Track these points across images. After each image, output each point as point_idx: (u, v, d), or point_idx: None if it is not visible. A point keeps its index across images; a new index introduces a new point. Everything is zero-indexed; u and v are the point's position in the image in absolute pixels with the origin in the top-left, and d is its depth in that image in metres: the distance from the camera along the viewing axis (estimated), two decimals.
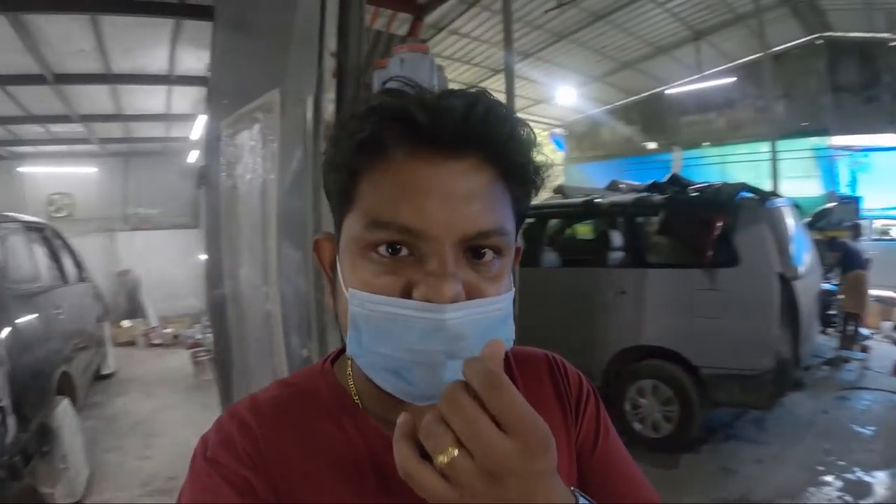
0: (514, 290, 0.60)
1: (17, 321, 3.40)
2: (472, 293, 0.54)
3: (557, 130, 16.06)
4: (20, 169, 11.58)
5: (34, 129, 8.87)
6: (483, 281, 0.56)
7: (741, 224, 4.12)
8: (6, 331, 3.16)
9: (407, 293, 0.53)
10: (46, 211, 10.64)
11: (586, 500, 0.52)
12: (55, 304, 4.31)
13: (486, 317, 0.55)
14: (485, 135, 0.54)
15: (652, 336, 4.42)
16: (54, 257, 5.04)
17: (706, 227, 4.17)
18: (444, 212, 0.53)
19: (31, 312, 3.72)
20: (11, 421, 2.92)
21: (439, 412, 0.44)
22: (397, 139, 0.54)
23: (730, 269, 4.08)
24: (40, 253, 4.67)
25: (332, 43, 2.46)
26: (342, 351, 0.69)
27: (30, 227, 4.61)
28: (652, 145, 14.16)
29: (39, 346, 3.67)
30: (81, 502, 3.65)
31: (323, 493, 0.60)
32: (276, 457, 0.60)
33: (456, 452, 0.43)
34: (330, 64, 2.47)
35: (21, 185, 11.52)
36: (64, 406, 3.73)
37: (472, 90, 0.56)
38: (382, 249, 0.54)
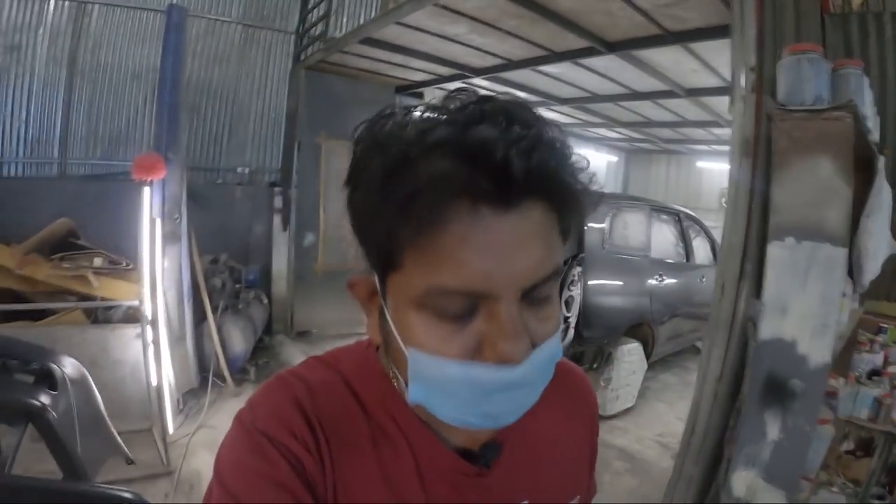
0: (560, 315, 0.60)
1: (597, 280, 4.77)
2: (534, 338, 0.54)
3: None
4: (698, 164, 12.78)
5: (699, 133, 10.27)
6: (542, 322, 0.55)
7: None
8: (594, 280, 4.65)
9: (476, 355, 0.53)
10: (718, 202, 11.35)
11: None
12: (662, 272, 5.48)
13: (548, 355, 0.56)
14: (545, 184, 0.51)
15: None
16: (682, 238, 6.02)
17: None
18: (506, 269, 0.50)
19: (633, 275, 5.13)
20: (571, 333, 4.53)
21: None
22: (457, 192, 0.48)
23: None
24: (665, 232, 5.88)
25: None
26: None
27: (658, 209, 5.92)
28: None
29: (630, 295, 5.07)
30: (601, 416, 4.74)
31: (368, 489, 0.61)
32: (333, 450, 0.61)
33: None
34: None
35: (699, 177, 12.91)
36: (632, 347, 4.92)
37: (524, 136, 0.49)
38: (446, 314, 0.52)
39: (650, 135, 10.08)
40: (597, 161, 13.03)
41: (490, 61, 5.74)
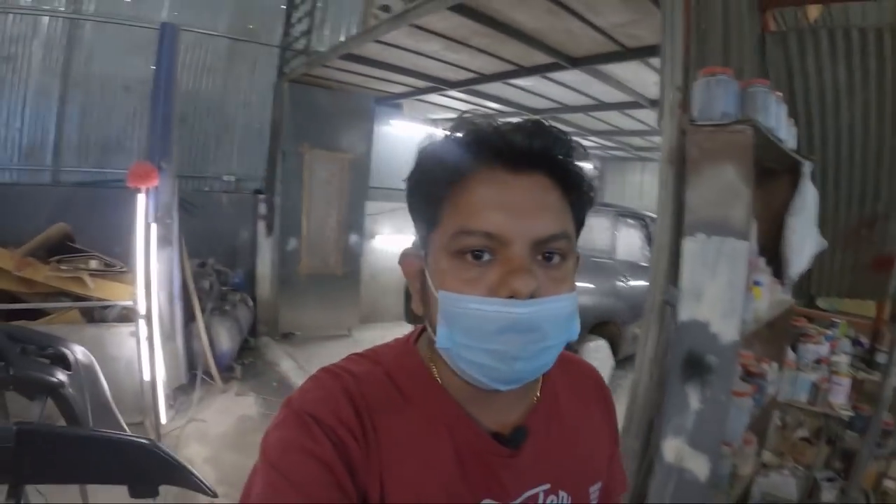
0: (576, 292, 0.69)
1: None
2: (544, 291, 0.64)
3: None
4: None
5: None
6: (552, 281, 0.66)
7: None
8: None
9: (491, 293, 0.64)
10: None
11: None
12: (627, 273, 5.84)
13: (557, 312, 0.66)
14: (548, 156, 0.67)
15: None
16: (648, 242, 6.30)
17: None
18: (518, 219, 0.64)
19: (598, 276, 5.48)
20: None
21: None
22: (477, 163, 0.66)
23: None
24: (631, 236, 6.27)
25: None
26: (422, 332, 0.79)
27: (624, 214, 6.35)
28: None
29: (595, 295, 5.38)
30: None
31: (411, 471, 0.68)
32: (379, 435, 0.68)
33: None
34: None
35: None
36: (598, 344, 5.31)
37: (534, 119, 0.67)
38: (469, 256, 0.65)
39: (622, 143, 10.45)
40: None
41: (464, 75, 6.05)
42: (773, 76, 3.52)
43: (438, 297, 0.67)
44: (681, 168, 2.18)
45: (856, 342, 3.74)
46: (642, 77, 5.34)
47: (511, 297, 0.62)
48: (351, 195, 7.37)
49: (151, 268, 3.91)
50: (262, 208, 6.79)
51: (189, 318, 5.11)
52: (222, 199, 6.77)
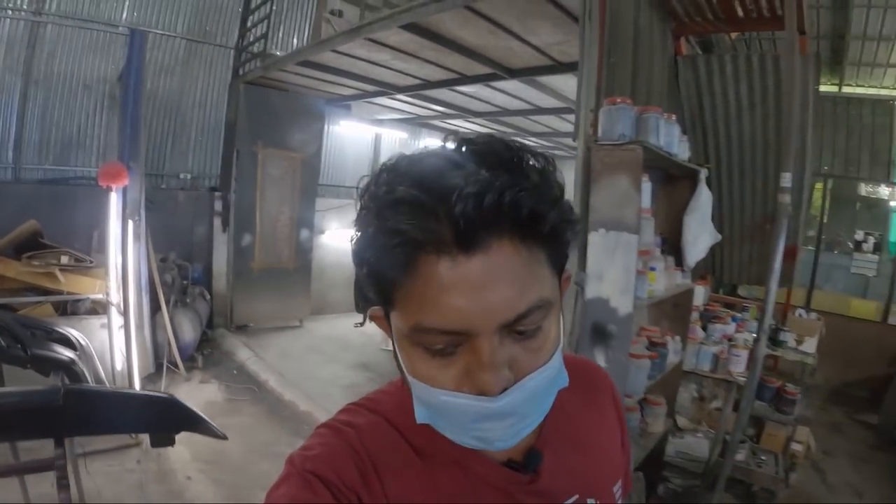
0: (561, 336, 0.64)
1: None
2: (520, 370, 0.59)
3: None
4: None
5: None
6: (529, 354, 0.59)
7: None
8: None
9: (460, 385, 0.59)
10: None
11: None
12: None
13: (536, 388, 0.60)
14: (503, 219, 0.54)
15: None
16: None
17: None
18: (478, 307, 0.55)
19: None
20: None
21: None
22: (423, 240, 0.54)
23: None
24: None
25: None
26: None
27: None
28: None
29: None
30: None
31: None
32: (386, 488, 0.66)
33: None
34: None
35: None
36: None
37: (484, 178, 0.54)
38: (432, 349, 0.59)
39: (559, 143, 11.12)
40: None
41: (411, 81, 6.54)
42: (683, 94, 4.14)
43: (410, 382, 0.64)
44: (588, 176, 2.73)
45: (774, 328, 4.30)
46: (573, 86, 5.92)
47: (480, 394, 0.58)
48: (302, 192, 7.78)
49: (129, 262, 4.23)
50: (218, 205, 7.09)
51: (154, 310, 5.43)
52: (179, 196, 7.03)
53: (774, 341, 4.22)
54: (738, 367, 3.83)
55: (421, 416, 0.64)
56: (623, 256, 2.58)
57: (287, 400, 5.25)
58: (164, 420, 2.11)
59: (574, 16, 3.87)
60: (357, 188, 9.79)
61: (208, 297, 6.71)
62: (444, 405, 0.60)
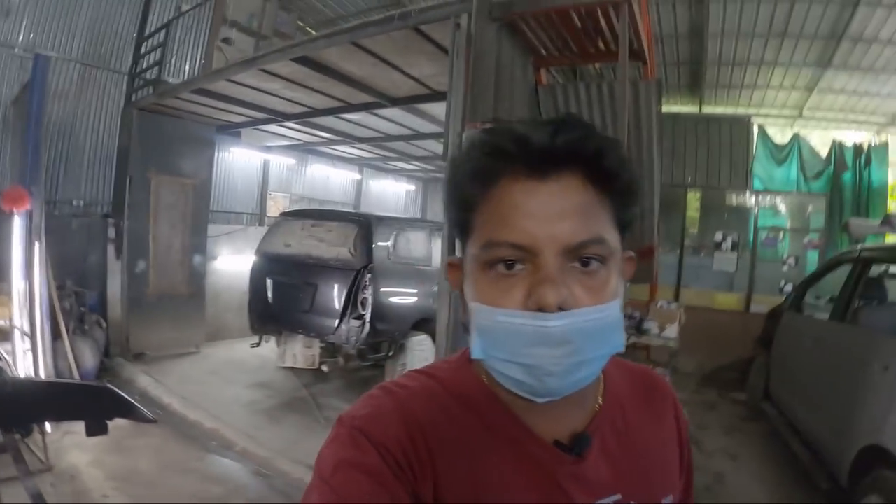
0: (620, 298, 0.68)
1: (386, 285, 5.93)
2: (578, 302, 0.63)
3: None
4: None
5: None
6: (588, 290, 0.64)
7: None
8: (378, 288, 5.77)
9: (520, 305, 0.63)
10: None
11: None
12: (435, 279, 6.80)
13: (592, 325, 0.63)
14: (571, 156, 0.64)
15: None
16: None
17: None
18: (545, 228, 0.62)
19: (416, 281, 6.41)
20: (367, 327, 5.59)
21: None
22: (501, 168, 0.65)
23: None
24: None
25: None
26: None
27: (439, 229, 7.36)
28: None
29: (414, 298, 6.27)
30: None
31: (469, 472, 0.69)
32: (432, 449, 0.68)
33: None
34: None
35: None
36: (421, 338, 6.16)
37: (560, 116, 0.67)
38: (500, 267, 0.65)
39: (438, 166, 11.97)
40: (396, 189, 14.89)
41: (299, 109, 7.07)
42: (545, 117, 4.91)
43: (471, 309, 0.68)
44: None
45: (630, 317, 5.04)
46: None
47: (539, 309, 0.62)
48: (194, 219, 7.92)
49: (35, 285, 4.40)
50: (112, 232, 7.13)
51: (53, 337, 5.49)
52: (72, 222, 7.00)
53: (640, 330, 4.89)
54: None
55: (476, 349, 0.67)
56: None
57: (192, 420, 5.36)
58: (100, 407, 2.45)
59: (445, 49, 4.56)
60: (246, 214, 10.05)
61: (104, 324, 6.74)
62: (501, 328, 0.64)
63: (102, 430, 2.57)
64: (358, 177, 13.33)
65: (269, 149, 9.93)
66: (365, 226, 6.08)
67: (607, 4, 3.80)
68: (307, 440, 4.98)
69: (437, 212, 15.07)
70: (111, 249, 7.16)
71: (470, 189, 0.68)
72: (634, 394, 0.84)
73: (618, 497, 0.74)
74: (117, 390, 2.59)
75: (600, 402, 0.79)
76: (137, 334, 7.31)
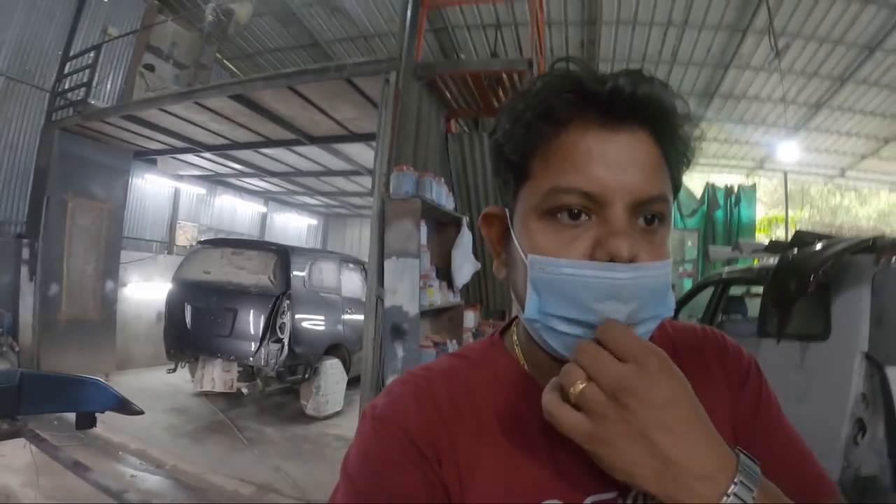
0: (671, 255, 0.66)
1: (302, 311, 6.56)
2: (643, 257, 0.61)
3: None
4: None
5: None
6: (651, 247, 0.62)
7: (837, 290, 3.66)
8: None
9: (587, 256, 0.60)
10: None
11: (747, 456, 0.55)
12: (352, 308, 7.39)
13: (655, 280, 0.62)
14: (650, 110, 0.61)
15: None
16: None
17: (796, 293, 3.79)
18: (617, 178, 0.60)
19: (328, 309, 7.01)
20: (286, 350, 6.14)
21: (573, 358, 0.55)
22: (573, 112, 0.61)
23: (818, 343, 3.67)
24: (353, 278, 7.88)
25: None
26: (509, 325, 0.81)
27: (347, 260, 8.10)
28: None
29: (326, 324, 6.87)
30: (318, 417, 6.45)
31: (496, 450, 0.68)
32: (450, 426, 0.69)
33: (583, 385, 0.53)
34: None
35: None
36: (333, 362, 6.81)
37: (631, 70, 0.63)
38: (563, 216, 0.61)
39: (345, 202, 12.62)
40: (299, 224, 15.67)
41: (220, 141, 7.51)
42: (452, 162, 5.66)
43: (528, 262, 0.63)
44: (383, 220, 4.02)
45: None
46: (364, 154, 7.34)
47: (611, 260, 0.59)
48: (108, 244, 8.04)
49: None
50: (26, 253, 7.08)
51: None
52: None
53: None
54: None
55: (531, 308, 0.62)
56: (409, 276, 3.88)
57: (117, 442, 5.48)
58: (93, 399, 2.82)
59: (370, 99, 5.20)
60: (156, 242, 10.17)
61: (17, 348, 6.70)
62: (566, 280, 0.60)
63: (92, 423, 2.83)
64: (264, 209, 13.87)
65: (180, 177, 10.17)
66: (283, 255, 6.58)
67: (512, 71, 4.57)
68: (233, 457, 5.23)
69: (338, 245, 15.82)
70: (25, 270, 7.10)
71: (538, 126, 0.63)
72: (678, 350, 0.79)
73: None
74: (108, 385, 2.93)
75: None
76: (48, 359, 7.19)
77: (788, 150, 11.22)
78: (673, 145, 0.65)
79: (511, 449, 0.69)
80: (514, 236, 0.67)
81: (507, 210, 0.70)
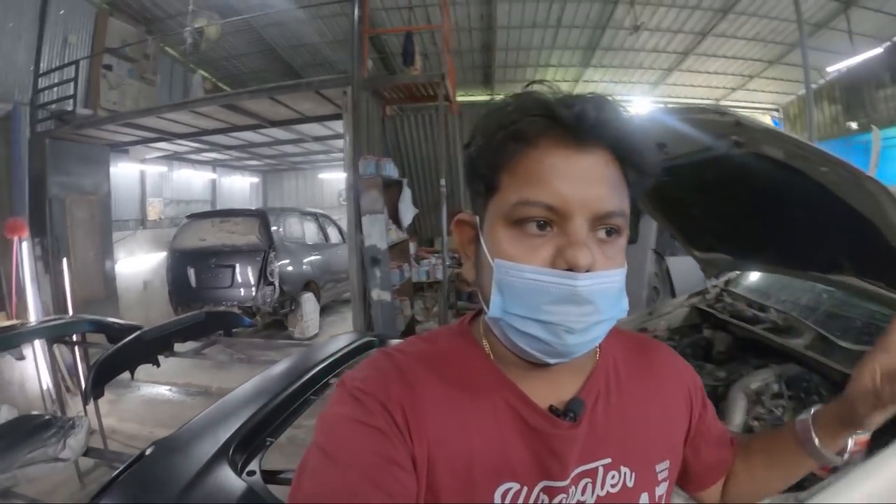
0: (626, 267, 0.74)
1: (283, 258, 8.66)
2: (598, 266, 0.68)
3: (775, 114, 16.41)
4: (320, 175, 18.42)
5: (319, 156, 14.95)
6: (606, 257, 0.70)
7: None
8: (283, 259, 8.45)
9: (548, 264, 0.68)
10: (337, 201, 14.94)
11: None
12: (315, 251, 9.62)
13: (609, 287, 0.70)
14: (611, 133, 0.68)
15: None
16: (321, 229, 10.36)
17: None
18: (579, 194, 0.67)
19: (300, 254, 9.12)
20: (277, 290, 8.24)
21: None
22: (542, 132, 0.68)
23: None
24: (311, 227, 10.03)
25: None
26: (476, 315, 0.87)
27: (305, 213, 10.14)
28: (854, 125, 12.81)
29: (300, 266, 8.98)
30: (302, 339, 8.25)
31: (460, 433, 0.74)
32: (425, 410, 0.73)
33: None
34: None
35: (321, 185, 18.67)
36: (308, 295, 8.90)
37: (596, 95, 0.70)
38: (530, 226, 0.69)
39: (283, 160, 14.71)
40: (242, 185, 17.56)
41: (191, 130, 9.30)
42: (390, 139, 7.95)
43: (494, 266, 0.71)
44: (357, 191, 6.28)
45: (453, 257, 8.03)
46: (314, 130, 9.67)
47: (569, 269, 0.67)
48: (101, 229, 9.18)
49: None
50: (38, 250, 7.90)
51: None
52: None
53: (460, 263, 8.22)
54: (439, 276, 7.72)
55: (495, 307, 0.71)
56: (378, 225, 6.23)
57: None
58: (236, 320, 5.00)
59: (324, 96, 7.24)
60: (132, 220, 11.84)
61: None
62: (527, 285, 0.68)
63: (99, 394, 3.50)
64: (214, 176, 15.67)
65: (144, 160, 11.83)
66: (263, 217, 8.59)
67: (432, 82, 6.97)
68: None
69: (278, 197, 18.12)
70: (40, 266, 7.85)
71: (507, 143, 0.70)
72: (630, 359, 0.89)
73: (607, 461, 0.79)
74: (239, 314, 5.13)
75: (594, 368, 0.84)
76: None
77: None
78: (632, 165, 0.71)
79: (474, 434, 0.74)
80: (483, 242, 0.75)
81: (477, 217, 0.78)
